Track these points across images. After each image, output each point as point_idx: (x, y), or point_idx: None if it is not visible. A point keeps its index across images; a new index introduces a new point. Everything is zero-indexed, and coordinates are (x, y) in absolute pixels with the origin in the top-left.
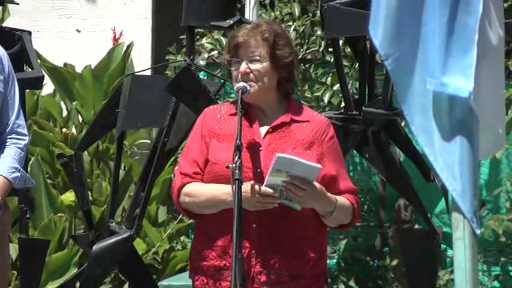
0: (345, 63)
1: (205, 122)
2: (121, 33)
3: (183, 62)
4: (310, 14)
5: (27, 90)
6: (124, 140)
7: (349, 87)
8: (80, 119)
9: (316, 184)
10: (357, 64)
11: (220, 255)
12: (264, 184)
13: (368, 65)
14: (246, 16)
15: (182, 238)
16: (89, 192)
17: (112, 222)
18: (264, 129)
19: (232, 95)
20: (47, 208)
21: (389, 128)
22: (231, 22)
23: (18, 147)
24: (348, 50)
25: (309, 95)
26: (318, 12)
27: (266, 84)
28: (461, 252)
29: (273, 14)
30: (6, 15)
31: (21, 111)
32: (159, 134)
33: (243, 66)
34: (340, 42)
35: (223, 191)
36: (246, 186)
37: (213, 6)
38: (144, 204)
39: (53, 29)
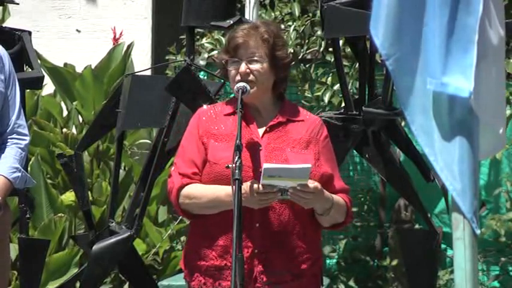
0: (345, 63)
1: (201, 123)
2: (121, 33)
3: (183, 62)
4: (310, 14)
5: (28, 91)
6: (124, 140)
7: (349, 87)
8: (80, 119)
9: (317, 183)
10: (357, 64)
11: (221, 255)
12: (260, 183)
13: (368, 65)
14: (246, 16)
15: (182, 238)
16: (89, 192)
17: (112, 222)
18: (261, 129)
19: (233, 95)
20: (47, 208)
21: (389, 128)
22: (231, 22)
23: (19, 147)
24: (348, 50)
25: (309, 95)
26: (318, 12)
27: (265, 84)
28: (461, 252)
29: (273, 14)
30: (6, 15)
31: (21, 111)
32: (159, 134)
33: (243, 67)
34: (340, 42)
35: (225, 192)
36: (246, 186)
37: (213, 6)
38: (144, 204)
39: (53, 29)
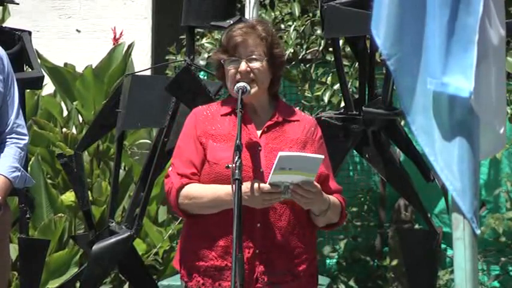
0: (345, 62)
1: (198, 123)
2: (121, 33)
3: (183, 62)
4: (310, 14)
5: (28, 90)
6: (124, 140)
7: (349, 87)
8: (81, 119)
9: (316, 184)
10: (357, 64)
11: (221, 255)
12: (268, 182)
13: (368, 64)
14: (246, 16)
15: None
16: (89, 192)
17: (112, 222)
18: (258, 130)
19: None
20: (47, 208)
21: (389, 128)
22: (231, 22)
23: (18, 147)
24: (348, 49)
25: (309, 95)
26: (318, 12)
27: (264, 83)
28: (461, 252)
29: (273, 14)
30: (6, 15)
31: (20, 111)
32: (159, 134)
33: (243, 65)
34: (340, 42)
35: (225, 191)
36: (248, 185)
37: (213, 6)
38: (144, 204)
39: (53, 29)
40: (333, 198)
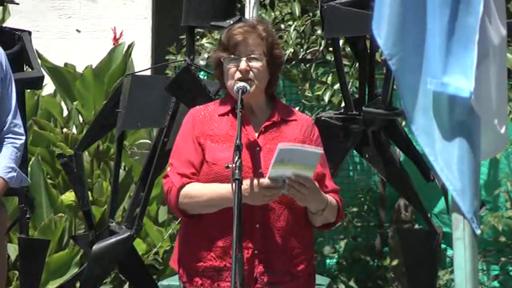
0: (345, 62)
1: (196, 123)
2: (121, 33)
3: (183, 62)
4: (311, 14)
5: (28, 90)
6: (124, 140)
7: (349, 87)
8: (81, 119)
9: (313, 181)
10: (357, 64)
11: (220, 256)
12: (267, 177)
13: (368, 64)
14: (246, 16)
15: None
16: (89, 192)
17: (112, 222)
18: (256, 130)
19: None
20: (47, 208)
21: (389, 128)
22: (231, 22)
23: (15, 147)
24: (348, 49)
25: (309, 95)
26: (318, 12)
27: (262, 83)
28: (461, 252)
29: (273, 14)
30: (6, 15)
31: (17, 110)
32: (159, 134)
33: (243, 64)
34: (340, 42)
35: (226, 189)
36: (248, 182)
37: (213, 6)
38: (144, 204)
39: (53, 29)
40: (330, 197)
